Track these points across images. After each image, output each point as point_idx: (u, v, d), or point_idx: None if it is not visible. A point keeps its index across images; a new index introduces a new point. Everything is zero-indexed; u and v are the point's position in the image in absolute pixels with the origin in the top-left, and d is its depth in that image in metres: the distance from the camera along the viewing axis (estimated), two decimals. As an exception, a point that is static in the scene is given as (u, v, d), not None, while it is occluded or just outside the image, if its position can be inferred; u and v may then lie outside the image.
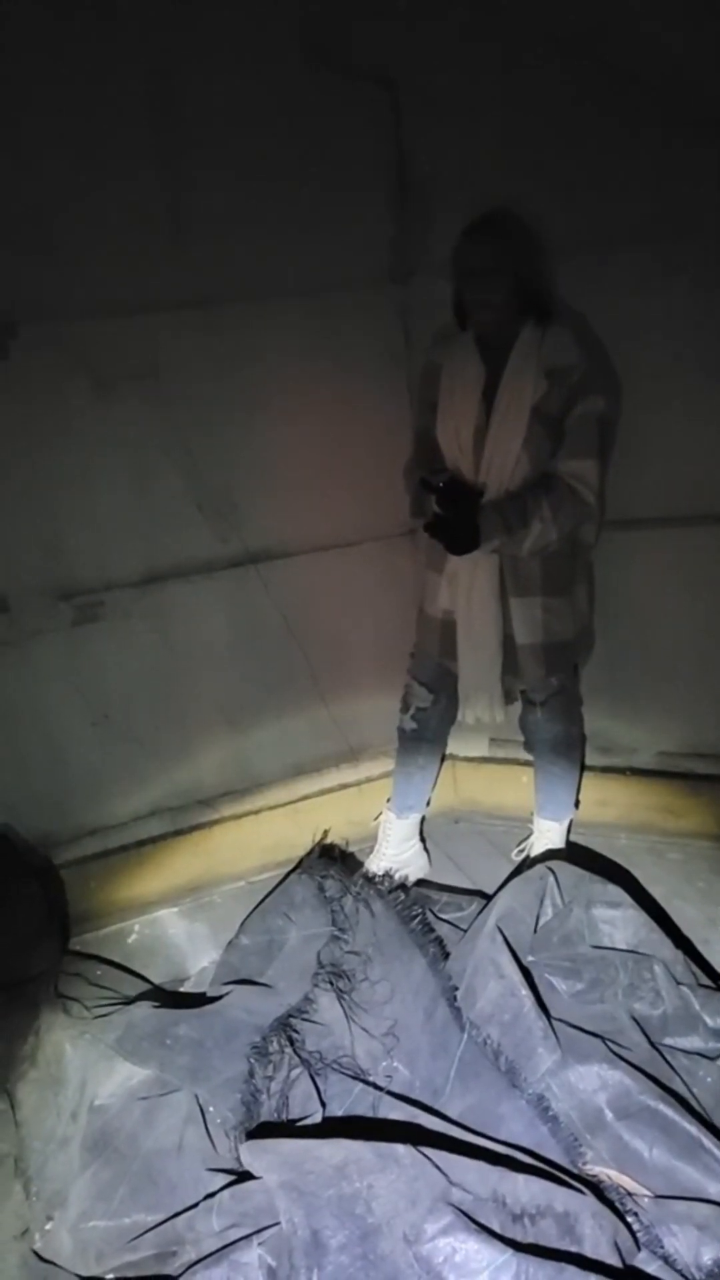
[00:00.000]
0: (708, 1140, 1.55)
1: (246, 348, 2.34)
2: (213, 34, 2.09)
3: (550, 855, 2.30)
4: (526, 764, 2.54)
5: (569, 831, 2.56)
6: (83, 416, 2.23)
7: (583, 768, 2.55)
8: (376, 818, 2.61)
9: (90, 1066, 1.91)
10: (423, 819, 2.64)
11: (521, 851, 2.56)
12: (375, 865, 2.53)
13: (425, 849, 2.65)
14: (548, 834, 2.50)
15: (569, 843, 2.55)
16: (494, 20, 2.13)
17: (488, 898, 2.31)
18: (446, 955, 2.02)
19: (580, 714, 2.46)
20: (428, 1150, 1.44)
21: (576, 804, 2.54)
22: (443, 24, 2.18)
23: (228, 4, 2.08)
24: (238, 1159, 1.64)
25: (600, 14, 2.04)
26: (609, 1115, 1.62)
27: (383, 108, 2.28)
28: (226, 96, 2.14)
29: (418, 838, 2.63)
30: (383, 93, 2.26)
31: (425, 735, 2.48)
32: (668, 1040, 1.80)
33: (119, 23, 2.02)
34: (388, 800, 2.59)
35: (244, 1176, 1.58)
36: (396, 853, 2.56)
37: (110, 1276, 1.58)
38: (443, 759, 2.60)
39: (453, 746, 2.75)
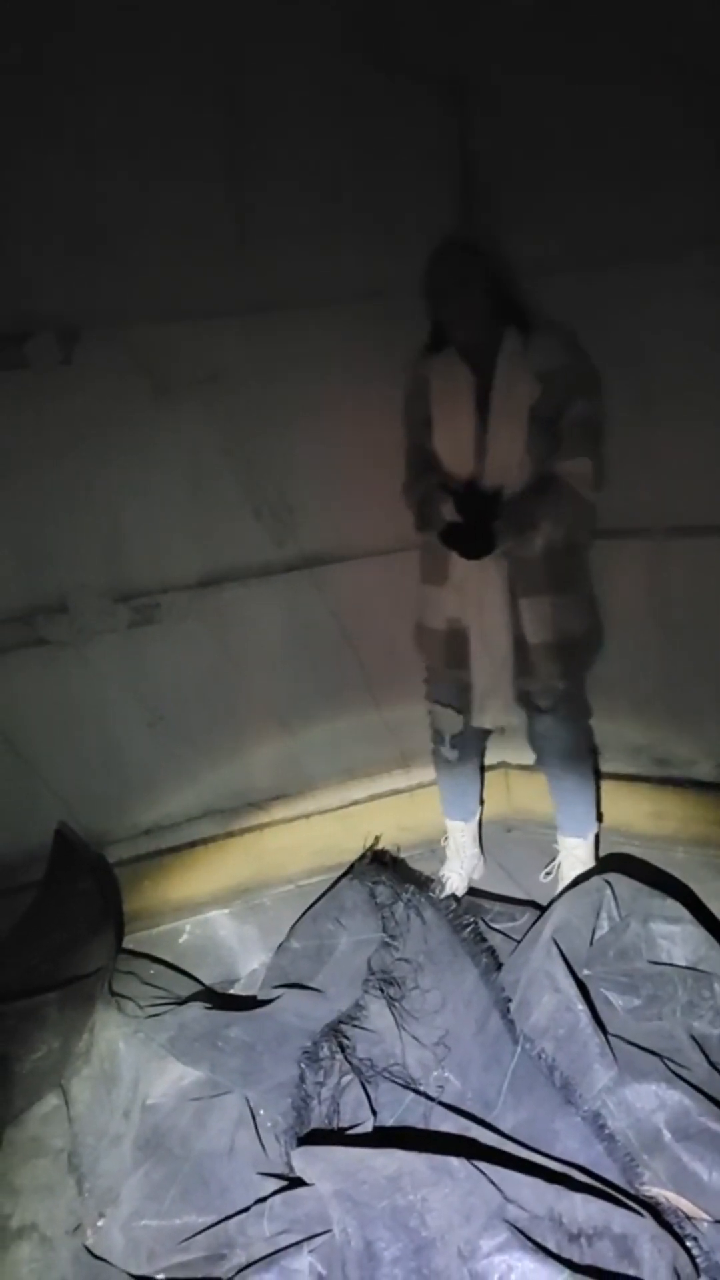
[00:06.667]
0: (770, 1166, 1.51)
1: (306, 352, 2.34)
2: (279, 39, 2.10)
3: (582, 878, 2.24)
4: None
5: (597, 846, 2.51)
6: (143, 421, 2.26)
7: (598, 776, 2.51)
8: (444, 839, 2.62)
9: (143, 1065, 1.93)
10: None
11: (549, 875, 2.52)
12: (454, 869, 2.56)
13: (481, 845, 2.67)
14: (574, 852, 2.45)
15: (625, 855, 2.50)
16: (561, 16, 2.10)
17: (541, 908, 2.28)
18: (499, 966, 2.00)
19: (589, 724, 2.43)
20: (482, 1165, 1.42)
21: (599, 817, 2.49)
22: (508, 22, 2.16)
23: (294, 11, 2.09)
24: (288, 1164, 1.63)
25: (671, 9, 2.01)
26: (667, 1136, 1.58)
27: (448, 110, 2.27)
28: (292, 102, 2.16)
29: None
30: (448, 95, 2.26)
31: (468, 757, 2.49)
32: (728, 1061, 1.75)
33: (190, 30, 2.04)
34: (446, 818, 2.59)
35: (295, 1182, 1.58)
36: (473, 853, 2.60)
37: (161, 1276, 1.59)
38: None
39: (506, 754, 2.73)
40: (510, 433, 2.06)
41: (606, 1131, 1.59)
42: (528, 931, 2.08)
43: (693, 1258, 1.39)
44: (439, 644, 2.30)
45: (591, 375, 2.14)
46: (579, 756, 2.39)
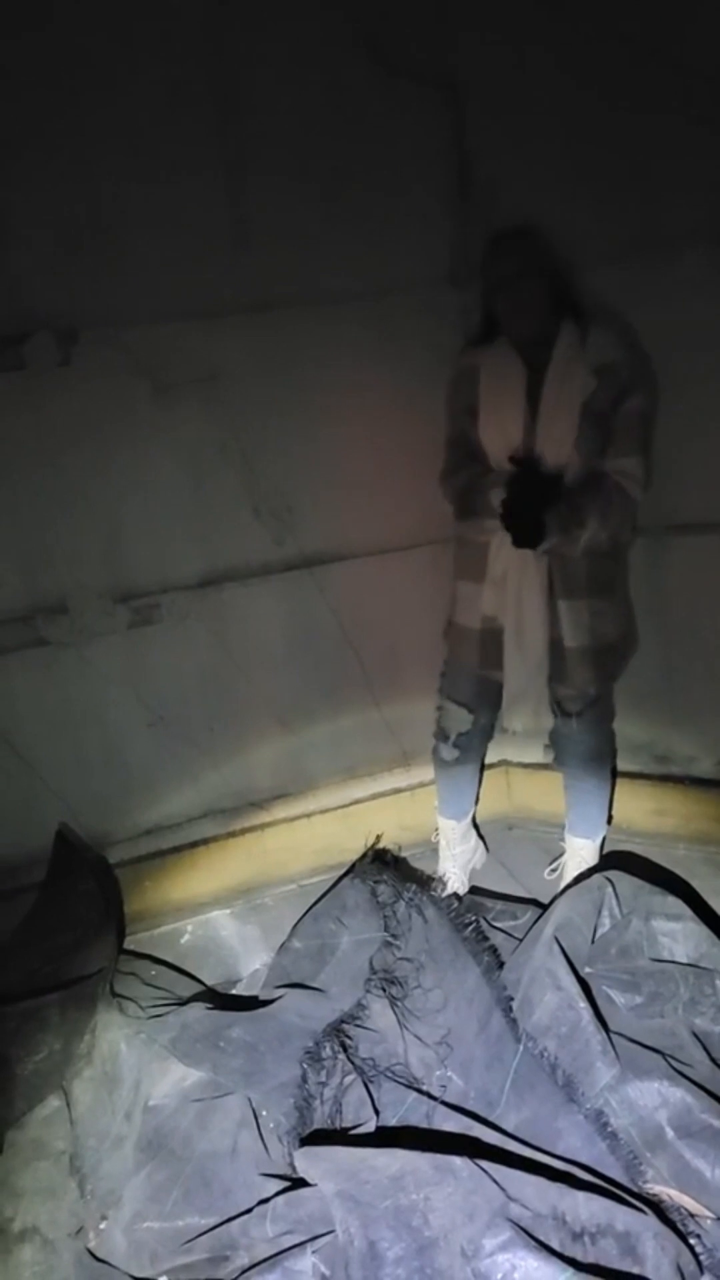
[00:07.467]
0: (774, 1163, 1.51)
1: (305, 351, 2.34)
2: (276, 39, 2.10)
3: (583, 875, 2.24)
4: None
5: (602, 848, 2.51)
6: (142, 420, 2.25)
7: (614, 777, 2.50)
8: (435, 835, 2.61)
9: (145, 1066, 1.92)
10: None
11: (555, 872, 2.52)
12: (448, 868, 2.55)
13: (479, 834, 2.66)
14: (581, 852, 2.45)
15: (627, 852, 2.50)
16: (558, 19, 2.10)
17: (542, 906, 2.28)
18: (501, 965, 2.00)
19: (612, 728, 2.41)
20: (485, 1164, 1.42)
21: (609, 820, 2.49)
22: (506, 25, 2.15)
23: (292, 9, 2.09)
24: (291, 1164, 1.63)
25: (669, 8, 2.01)
26: (670, 1133, 1.58)
27: (445, 110, 2.27)
28: (289, 102, 2.15)
29: (474, 829, 2.65)
30: (445, 95, 2.25)
31: (468, 759, 2.46)
32: (730, 1058, 1.75)
33: (184, 32, 2.03)
34: (438, 814, 2.58)
35: (298, 1183, 1.58)
36: (464, 849, 2.57)
37: (164, 1279, 1.58)
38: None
39: (508, 752, 2.72)
40: (561, 428, 2.01)
41: (609, 1129, 1.59)
42: (529, 930, 2.08)
43: (696, 1255, 1.39)
44: (473, 643, 2.25)
45: (647, 370, 2.10)
46: (600, 760, 2.38)
